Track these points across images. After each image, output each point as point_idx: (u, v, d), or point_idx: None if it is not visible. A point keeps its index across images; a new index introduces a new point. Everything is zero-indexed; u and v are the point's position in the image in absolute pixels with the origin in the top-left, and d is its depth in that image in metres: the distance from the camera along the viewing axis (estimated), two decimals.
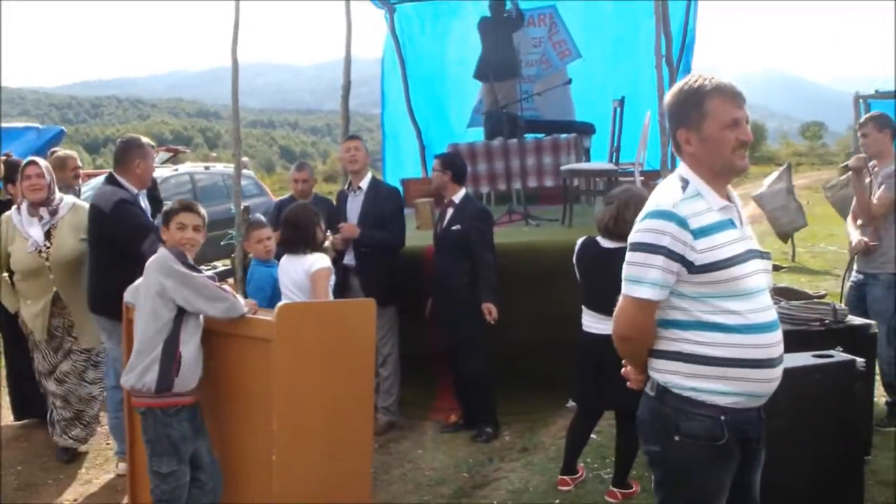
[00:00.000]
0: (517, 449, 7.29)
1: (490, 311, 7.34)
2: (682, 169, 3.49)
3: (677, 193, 3.38)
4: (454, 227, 7.57)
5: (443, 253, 7.75)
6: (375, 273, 7.83)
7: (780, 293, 6.30)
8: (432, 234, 8.04)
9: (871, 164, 7.29)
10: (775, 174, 17.42)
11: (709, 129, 3.37)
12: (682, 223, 3.29)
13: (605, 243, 5.91)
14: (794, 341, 4.68)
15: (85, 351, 7.32)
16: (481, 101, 13.25)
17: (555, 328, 7.49)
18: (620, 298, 3.47)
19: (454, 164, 7.83)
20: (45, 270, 7.12)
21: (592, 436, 6.64)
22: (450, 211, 7.72)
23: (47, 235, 7.13)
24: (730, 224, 3.39)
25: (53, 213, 7.18)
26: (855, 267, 7.48)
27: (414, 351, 8.21)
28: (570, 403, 7.71)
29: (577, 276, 6.09)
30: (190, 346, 5.17)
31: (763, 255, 3.53)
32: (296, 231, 6.60)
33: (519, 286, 7.97)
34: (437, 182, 7.84)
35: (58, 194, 7.27)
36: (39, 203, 7.14)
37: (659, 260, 3.31)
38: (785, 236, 17.01)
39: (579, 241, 6.17)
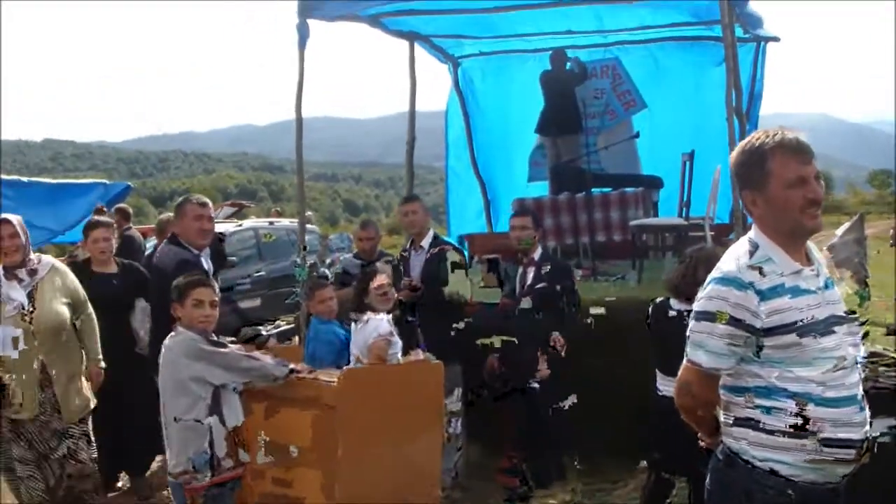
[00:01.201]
0: None
1: (558, 340, 7.27)
2: (753, 231, 3.39)
3: (744, 258, 3.28)
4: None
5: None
6: (438, 330, 7.67)
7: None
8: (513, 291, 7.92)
9: None
10: (847, 224, 17.04)
11: (773, 189, 3.24)
12: (747, 287, 3.19)
13: (676, 305, 5.78)
14: (876, 406, 4.46)
15: (80, 423, 6.47)
16: (544, 155, 13.14)
17: (627, 388, 7.32)
18: (682, 366, 3.33)
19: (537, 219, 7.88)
20: (30, 337, 6.21)
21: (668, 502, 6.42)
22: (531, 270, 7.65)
23: (30, 298, 6.30)
24: (804, 290, 3.25)
25: (32, 273, 6.37)
26: None
27: (481, 410, 8.01)
28: (643, 464, 7.54)
29: (651, 337, 5.93)
30: (237, 421, 5.12)
31: (849, 321, 3.35)
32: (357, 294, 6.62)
33: (592, 343, 7.77)
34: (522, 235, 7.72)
35: (34, 255, 6.52)
36: (14, 266, 6.31)
37: (720, 328, 3.23)
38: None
39: (652, 304, 6.02)
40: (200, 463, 4.91)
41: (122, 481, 8.12)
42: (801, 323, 3.16)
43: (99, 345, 6.72)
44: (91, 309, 6.69)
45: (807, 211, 3.20)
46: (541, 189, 12.95)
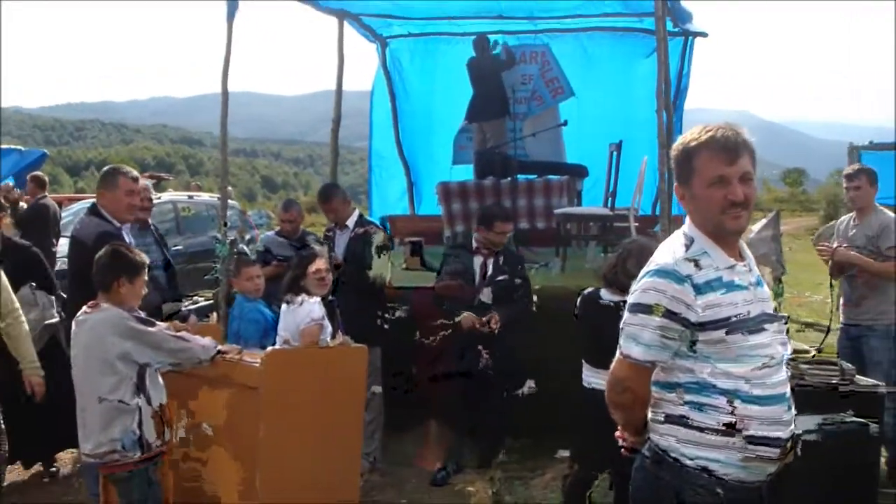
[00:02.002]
0: (505, 502, 7.02)
1: (494, 317, 7.32)
2: (687, 226, 3.32)
3: (680, 251, 3.22)
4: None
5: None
6: (357, 312, 7.54)
7: None
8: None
9: (841, 221, 7.75)
10: (763, 221, 17.27)
11: (696, 187, 3.21)
12: (684, 280, 3.13)
13: (607, 296, 5.71)
14: (801, 404, 4.47)
15: None
16: (469, 139, 13.08)
17: (547, 376, 7.30)
18: (614, 360, 3.27)
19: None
20: None
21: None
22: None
23: None
24: (738, 285, 3.20)
25: None
26: (843, 318, 7.45)
27: (399, 394, 7.94)
28: (560, 454, 7.53)
29: (578, 328, 5.88)
30: (161, 401, 4.96)
31: (778, 319, 3.31)
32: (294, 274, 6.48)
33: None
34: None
35: None
36: None
37: (656, 321, 3.15)
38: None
39: (582, 293, 5.96)
40: (129, 443, 4.76)
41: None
42: (734, 319, 3.12)
43: (33, 350, 6.34)
44: (19, 312, 6.33)
45: (727, 211, 3.14)
46: (465, 173, 12.89)
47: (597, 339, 5.57)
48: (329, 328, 6.34)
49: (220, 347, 5.14)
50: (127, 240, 6.34)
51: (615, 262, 5.69)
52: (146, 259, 5.13)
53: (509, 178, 11.11)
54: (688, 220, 3.32)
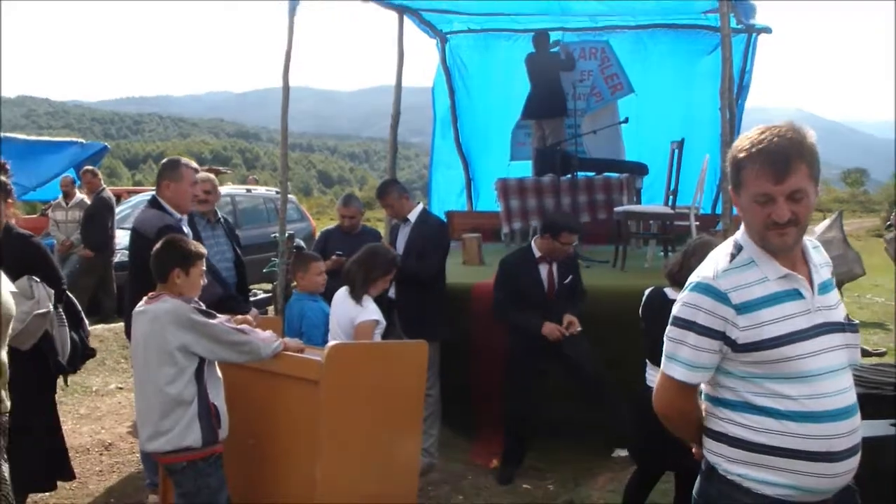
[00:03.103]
0: (562, 502, 6.98)
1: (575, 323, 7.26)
2: (741, 231, 3.13)
3: (723, 262, 3.05)
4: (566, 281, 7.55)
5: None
6: (416, 308, 7.57)
7: None
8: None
9: None
10: (827, 222, 17.01)
11: (743, 198, 3.00)
12: (721, 297, 2.96)
13: (672, 294, 5.62)
14: (866, 407, 4.40)
15: None
16: (527, 135, 13.07)
17: (604, 376, 7.27)
18: (658, 373, 3.20)
19: None
20: None
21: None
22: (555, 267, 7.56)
23: None
24: (791, 295, 2.97)
25: None
26: None
27: (455, 389, 7.95)
28: (617, 453, 7.48)
29: (643, 327, 5.83)
30: (219, 394, 4.97)
31: (845, 328, 3.07)
32: (365, 272, 6.37)
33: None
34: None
35: None
36: None
37: (691, 338, 3.01)
38: (839, 286, 16.60)
39: (647, 291, 5.91)
40: (186, 435, 4.77)
41: None
42: (783, 334, 2.93)
43: None
44: None
45: (771, 229, 2.93)
46: (522, 169, 12.89)
47: (659, 339, 5.52)
48: (383, 325, 6.35)
49: (282, 341, 5.16)
50: (186, 231, 6.37)
51: (680, 259, 5.61)
52: (202, 250, 5.11)
53: (569, 176, 11.06)
54: (742, 225, 3.15)
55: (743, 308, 2.94)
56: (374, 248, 6.68)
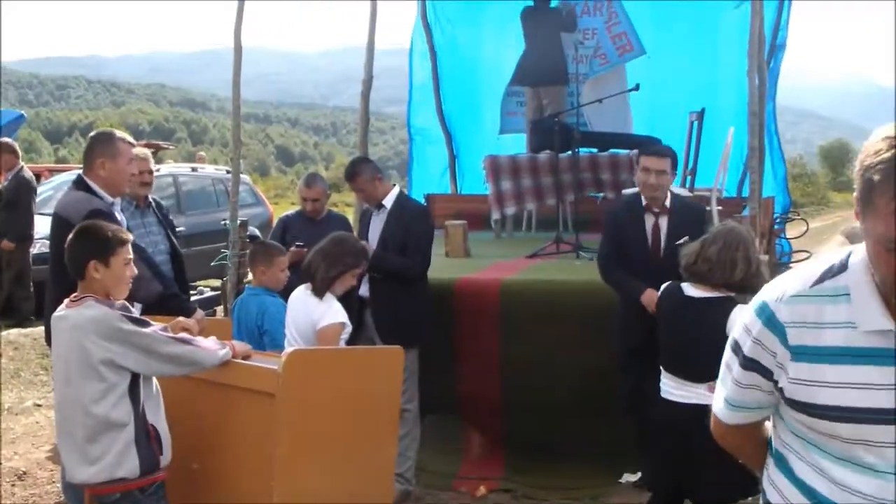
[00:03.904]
0: None
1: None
2: (860, 248, 2.54)
3: (805, 281, 2.56)
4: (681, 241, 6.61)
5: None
6: (393, 308, 7.58)
7: None
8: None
9: None
10: None
11: (869, 228, 2.38)
12: (776, 328, 2.55)
13: (690, 290, 5.63)
14: None
15: None
16: (520, 103, 13.08)
17: (610, 385, 7.29)
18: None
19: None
20: None
21: None
22: (663, 221, 7.04)
23: None
24: (884, 358, 2.42)
25: None
26: None
27: (436, 403, 7.97)
28: (626, 478, 7.52)
29: (658, 329, 5.85)
30: (159, 414, 4.92)
31: None
32: (330, 265, 6.33)
33: (568, 334, 7.76)
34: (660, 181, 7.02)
35: None
36: None
37: (735, 369, 2.71)
38: None
39: (662, 287, 5.93)
40: (119, 462, 4.73)
41: None
42: (844, 408, 2.46)
43: None
44: None
45: None
46: (514, 143, 12.91)
47: (678, 342, 5.54)
48: (349, 329, 6.35)
49: (229, 347, 5.13)
50: (119, 218, 6.33)
51: (698, 249, 5.61)
52: (126, 235, 4.98)
53: (569, 152, 11.09)
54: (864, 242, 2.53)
55: (799, 353, 2.53)
56: (340, 238, 6.64)
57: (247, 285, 7.60)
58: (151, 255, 7.07)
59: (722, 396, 2.81)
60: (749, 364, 2.64)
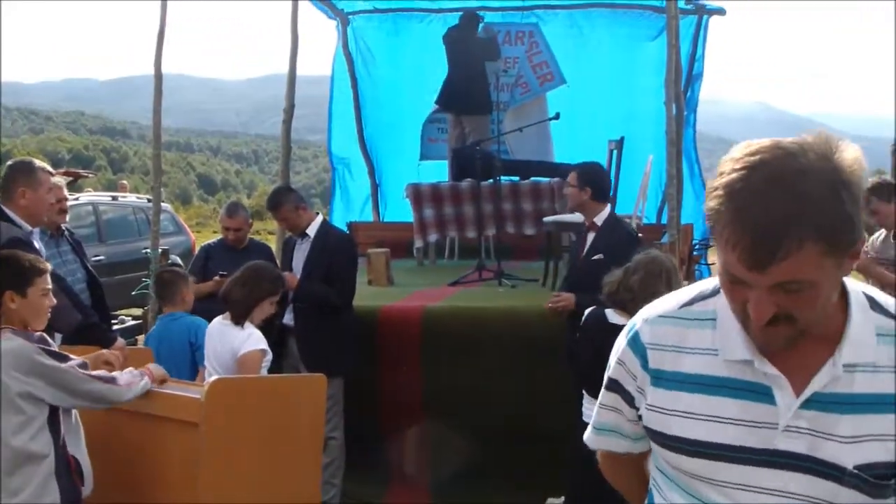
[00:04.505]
0: None
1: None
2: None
3: (680, 301, 2.36)
4: (596, 257, 6.92)
5: (581, 288, 6.94)
6: (316, 336, 7.58)
7: None
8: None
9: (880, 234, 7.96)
10: None
11: (717, 257, 2.17)
12: (637, 349, 2.36)
13: (613, 318, 5.69)
14: None
15: None
16: (440, 130, 13.13)
17: (536, 412, 7.34)
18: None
19: (595, 178, 7.34)
20: None
21: None
22: (590, 236, 7.29)
23: None
24: (748, 393, 2.17)
25: None
26: None
27: (361, 433, 7.96)
28: (549, 502, 7.55)
29: (580, 353, 5.90)
30: (80, 444, 4.88)
31: (845, 479, 2.10)
32: (248, 294, 6.34)
33: (490, 360, 7.78)
34: (574, 201, 7.35)
35: None
36: None
37: (603, 391, 2.52)
38: None
39: (586, 312, 5.98)
40: (39, 497, 4.66)
41: None
42: (699, 442, 2.22)
43: None
44: None
45: (749, 319, 2.10)
46: (435, 170, 12.93)
47: (599, 367, 5.56)
48: (270, 357, 6.34)
49: (147, 377, 5.09)
50: (38, 247, 6.28)
51: (620, 277, 5.68)
52: (44, 265, 4.92)
53: (490, 180, 11.14)
54: None
55: (658, 378, 2.32)
56: (256, 266, 6.66)
57: (160, 316, 7.55)
58: (69, 283, 7.03)
59: (591, 424, 2.62)
60: (611, 384, 2.47)
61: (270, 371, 6.38)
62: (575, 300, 6.80)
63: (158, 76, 8.94)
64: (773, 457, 2.13)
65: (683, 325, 2.30)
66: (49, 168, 6.72)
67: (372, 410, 8.03)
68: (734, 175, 1.99)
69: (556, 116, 11.27)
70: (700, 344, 2.26)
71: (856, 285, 2.21)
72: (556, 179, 11.53)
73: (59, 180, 7.69)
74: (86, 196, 17.68)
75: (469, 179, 11.49)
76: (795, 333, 2.08)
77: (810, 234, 1.90)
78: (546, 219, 10.32)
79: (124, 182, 26.54)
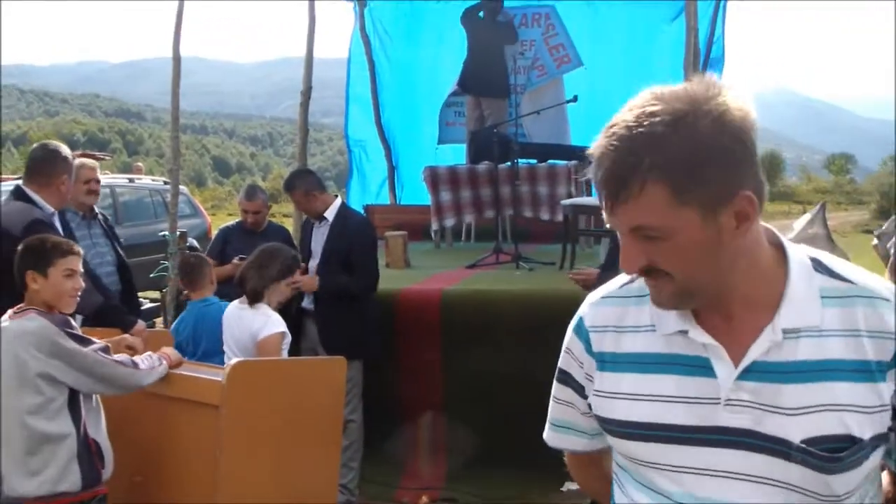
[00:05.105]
0: None
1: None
2: None
3: (622, 280, 2.27)
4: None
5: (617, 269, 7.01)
6: (337, 320, 7.57)
7: None
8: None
9: None
10: (808, 216, 17.10)
11: None
12: (581, 335, 2.27)
13: None
14: None
15: None
16: (458, 114, 13.12)
17: (549, 394, 7.35)
18: None
19: None
20: None
21: None
22: None
23: None
24: (686, 366, 2.07)
25: None
26: None
27: (379, 414, 7.98)
28: (567, 486, 7.56)
29: None
30: (100, 427, 4.88)
31: (792, 455, 1.96)
32: (263, 276, 6.33)
33: (509, 344, 7.78)
34: None
35: None
36: None
37: (557, 386, 2.40)
38: None
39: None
40: (59, 477, 4.68)
41: None
42: (641, 424, 2.12)
43: None
44: None
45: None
46: (453, 153, 12.94)
47: None
48: (289, 340, 6.34)
49: (165, 361, 5.12)
50: (59, 228, 6.32)
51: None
52: (68, 246, 4.92)
53: (508, 163, 11.14)
54: None
55: (602, 361, 2.22)
56: (270, 249, 6.65)
57: (191, 301, 7.51)
58: (98, 265, 7.08)
59: (549, 420, 2.49)
60: (561, 376, 2.35)
61: (289, 354, 6.39)
62: (598, 275, 6.77)
63: (177, 58, 8.96)
64: (718, 434, 2.02)
65: (622, 303, 2.22)
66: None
67: (392, 393, 8.06)
68: (606, 130, 1.93)
69: (574, 99, 11.23)
70: (639, 322, 2.17)
71: (800, 249, 2.11)
72: (573, 162, 11.53)
73: (93, 162, 7.76)
74: (103, 178, 17.66)
75: (486, 162, 11.50)
76: (679, 291, 1.99)
77: (653, 174, 1.85)
78: (563, 202, 10.31)
79: (139, 164, 26.57)
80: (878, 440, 1.97)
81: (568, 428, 2.41)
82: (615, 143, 1.88)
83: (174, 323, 7.16)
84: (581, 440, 2.41)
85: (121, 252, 7.58)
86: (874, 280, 2.07)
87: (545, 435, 2.48)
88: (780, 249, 2.08)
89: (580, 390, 2.28)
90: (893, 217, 8.76)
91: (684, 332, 2.06)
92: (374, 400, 7.80)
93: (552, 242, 10.55)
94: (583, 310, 2.28)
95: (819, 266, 2.07)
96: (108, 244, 7.51)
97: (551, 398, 2.41)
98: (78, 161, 7.61)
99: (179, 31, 8.96)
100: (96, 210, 7.64)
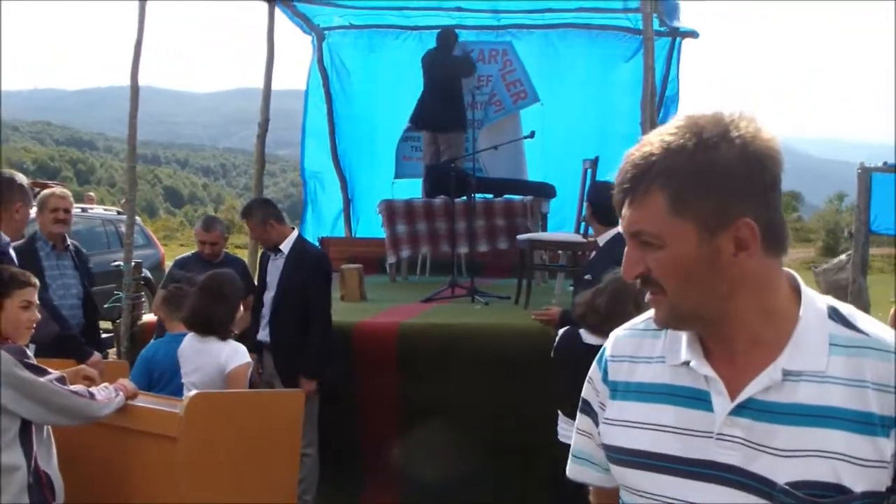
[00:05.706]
0: None
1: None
2: None
3: (648, 314, 2.27)
4: (586, 277, 6.66)
5: None
6: (294, 352, 7.55)
7: None
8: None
9: None
10: None
11: None
12: (601, 364, 2.33)
13: (588, 338, 5.69)
14: None
15: None
16: (414, 148, 13.15)
17: (510, 433, 7.35)
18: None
19: (596, 197, 7.14)
20: None
21: None
22: (592, 255, 7.28)
23: None
24: (685, 398, 2.10)
25: None
26: None
27: (335, 447, 7.95)
28: None
29: (554, 372, 5.91)
30: (51, 459, 4.80)
31: (774, 495, 1.95)
32: (220, 307, 6.15)
33: (465, 377, 7.80)
34: (587, 217, 7.27)
35: None
36: None
37: (579, 416, 2.41)
38: None
39: (560, 332, 6.00)
40: None
41: None
42: (633, 451, 2.16)
43: None
44: None
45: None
46: (409, 188, 12.95)
47: (573, 386, 5.57)
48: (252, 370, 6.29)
49: (122, 392, 5.05)
50: (13, 258, 6.26)
51: (590, 298, 5.67)
52: (26, 277, 4.91)
53: (464, 197, 11.16)
54: None
55: (614, 390, 2.26)
56: (221, 276, 6.47)
57: (171, 334, 7.29)
58: (62, 297, 7.06)
59: (572, 452, 2.45)
60: (583, 406, 2.37)
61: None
62: (560, 314, 6.74)
63: (135, 88, 8.93)
64: (707, 468, 2.03)
65: (641, 335, 2.26)
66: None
67: (348, 425, 8.05)
68: (639, 142, 2.04)
69: (532, 135, 11.28)
70: (652, 353, 2.21)
71: (822, 298, 2.10)
72: (529, 197, 11.58)
73: (63, 191, 7.74)
74: None
75: (443, 196, 11.51)
76: (670, 308, 2.04)
77: (658, 181, 1.94)
78: (519, 237, 10.34)
79: (91, 194, 26.38)
80: (871, 497, 1.93)
81: (586, 460, 2.39)
82: (641, 149, 1.99)
83: (146, 351, 6.96)
84: (595, 474, 2.39)
85: (87, 286, 7.55)
86: (890, 334, 2.04)
87: (567, 468, 2.45)
88: (798, 294, 2.09)
89: (596, 419, 2.30)
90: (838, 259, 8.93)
91: (687, 366, 2.10)
92: (331, 432, 7.78)
93: (508, 277, 10.57)
94: (608, 341, 2.32)
95: (835, 314, 2.06)
96: (75, 276, 7.50)
97: (574, 429, 2.42)
98: (47, 190, 7.62)
99: (138, 60, 8.92)
100: (68, 241, 7.62)
